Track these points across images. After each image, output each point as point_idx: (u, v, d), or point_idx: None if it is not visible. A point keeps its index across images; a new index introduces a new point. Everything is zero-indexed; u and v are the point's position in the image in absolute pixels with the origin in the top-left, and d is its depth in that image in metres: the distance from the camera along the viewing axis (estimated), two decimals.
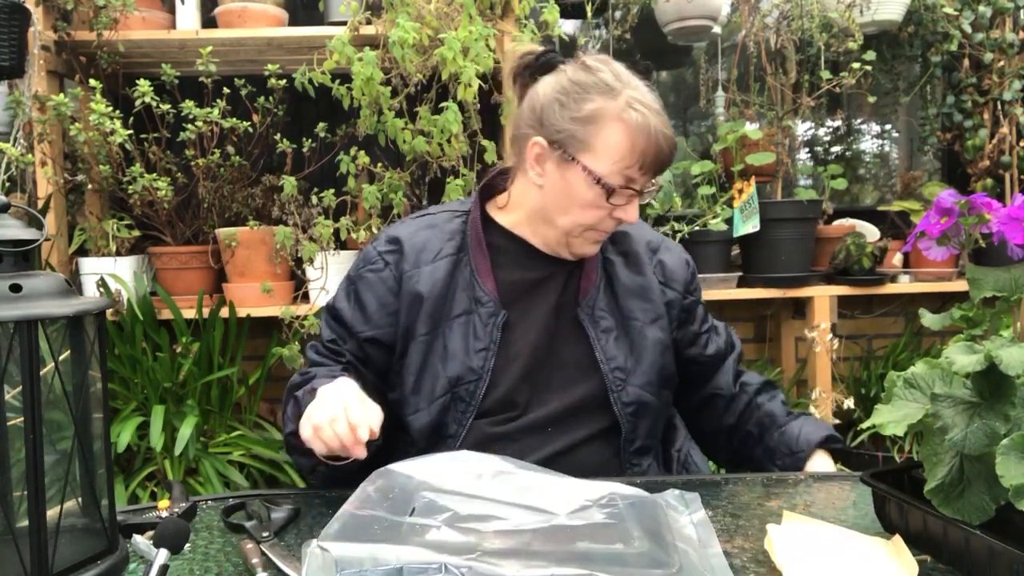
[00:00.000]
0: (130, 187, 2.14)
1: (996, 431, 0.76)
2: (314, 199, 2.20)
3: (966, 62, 2.61)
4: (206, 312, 2.19)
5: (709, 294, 2.27)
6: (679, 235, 2.33)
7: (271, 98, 2.22)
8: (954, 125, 2.69)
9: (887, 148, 3.29)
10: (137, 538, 0.90)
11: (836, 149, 3.13)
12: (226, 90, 2.19)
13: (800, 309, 2.63)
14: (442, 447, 1.18)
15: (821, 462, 1.25)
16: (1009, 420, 0.77)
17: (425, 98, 2.11)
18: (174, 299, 2.18)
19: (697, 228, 2.36)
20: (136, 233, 2.26)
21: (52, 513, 0.77)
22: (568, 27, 2.85)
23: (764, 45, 2.49)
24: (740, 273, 2.50)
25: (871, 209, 2.90)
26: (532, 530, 0.76)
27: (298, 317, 2.15)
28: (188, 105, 2.13)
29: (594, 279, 1.26)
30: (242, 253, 2.25)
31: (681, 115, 3.15)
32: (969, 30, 2.56)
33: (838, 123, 3.09)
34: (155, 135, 2.19)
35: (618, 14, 2.64)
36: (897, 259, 2.67)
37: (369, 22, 2.13)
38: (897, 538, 0.86)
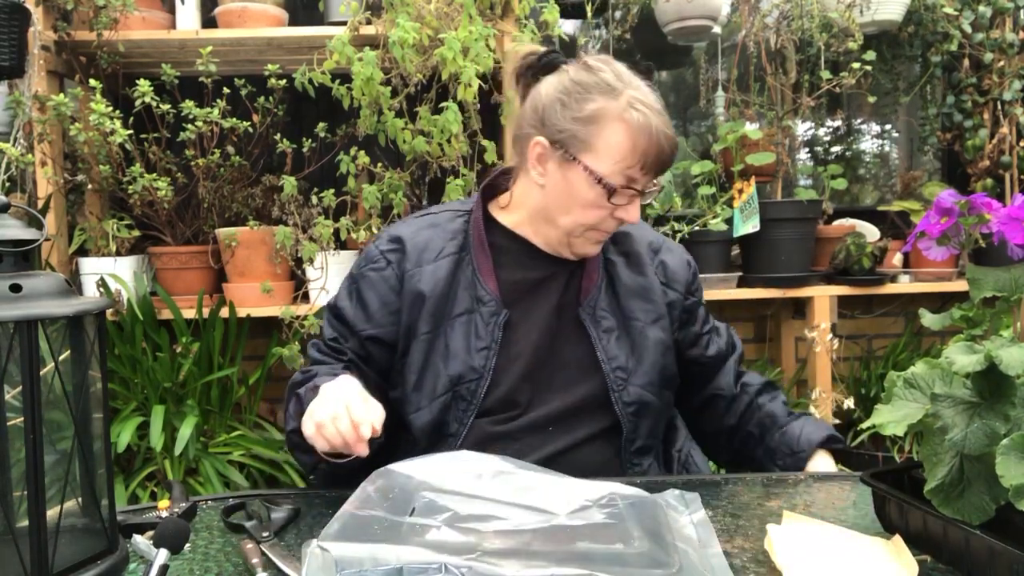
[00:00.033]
0: (130, 187, 2.14)
1: (996, 431, 0.76)
2: (314, 199, 2.20)
3: (966, 62, 2.61)
4: (206, 312, 2.19)
5: (709, 294, 2.27)
6: (679, 235, 2.32)
7: (271, 98, 2.22)
8: (954, 125, 2.69)
9: (887, 148, 3.29)
10: (137, 538, 0.90)
11: (836, 149, 3.13)
12: (226, 90, 2.19)
13: (800, 309, 2.63)
14: (443, 445, 1.18)
15: (822, 462, 1.25)
16: (1009, 420, 0.77)
17: (425, 98, 2.11)
18: (174, 299, 2.18)
19: (697, 228, 2.36)
20: (136, 233, 2.26)
21: (52, 513, 0.76)
22: (568, 27, 2.84)
23: (764, 45, 2.49)
24: (740, 273, 2.50)
25: (871, 209, 2.90)
26: (532, 530, 0.76)
27: (298, 317, 2.15)
28: (188, 105, 2.13)
29: (596, 279, 1.27)
30: (242, 253, 2.25)
31: (681, 115, 3.15)
32: (969, 30, 2.56)
33: (838, 123, 3.09)
34: (155, 135, 2.19)
35: (618, 14, 2.64)
36: (897, 259, 2.67)
37: (369, 22, 2.13)
38: (897, 538, 0.86)
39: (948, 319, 0.93)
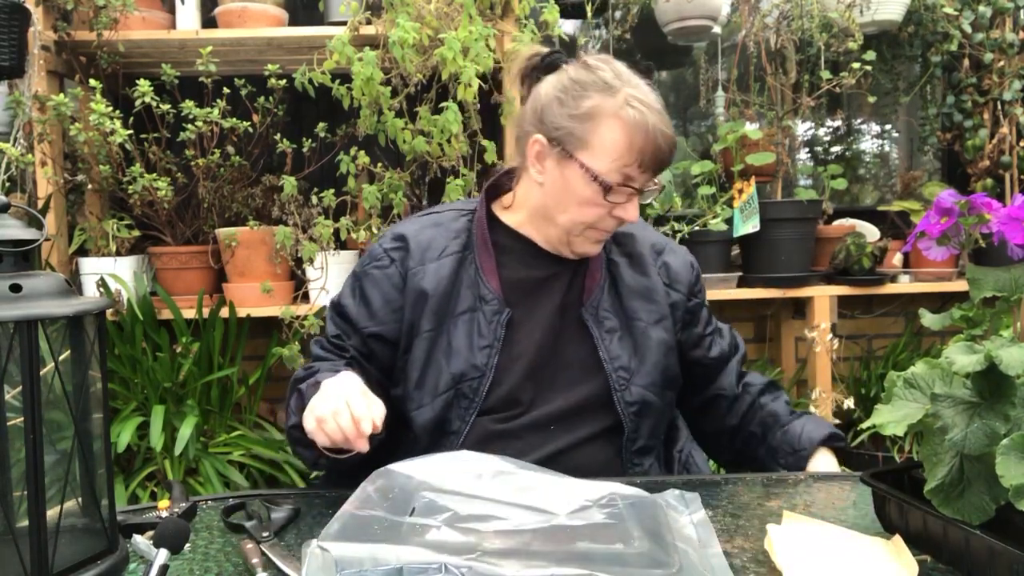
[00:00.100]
0: (130, 187, 2.14)
1: (996, 431, 0.76)
2: (314, 199, 2.20)
3: (966, 62, 2.61)
4: (206, 312, 2.19)
5: (709, 294, 2.25)
6: (679, 235, 2.33)
7: (271, 98, 2.22)
8: (954, 125, 2.69)
9: (887, 148, 3.29)
10: (137, 538, 0.90)
11: (836, 149, 3.13)
12: (226, 90, 2.18)
13: (800, 309, 2.63)
14: (445, 443, 1.18)
15: (824, 460, 1.25)
16: (1009, 420, 0.77)
17: (425, 98, 2.11)
18: (174, 299, 2.18)
19: (697, 228, 2.36)
20: (136, 233, 2.26)
21: (52, 513, 0.77)
22: (568, 27, 2.84)
23: (764, 45, 2.49)
24: (740, 273, 2.50)
25: (871, 209, 2.90)
26: (532, 530, 0.76)
27: (298, 317, 2.15)
28: (188, 105, 2.13)
29: (598, 279, 1.27)
30: (242, 253, 2.25)
31: (681, 115, 3.16)
32: (969, 30, 2.56)
33: (838, 123, 3.09)
34: (155, 135, 2.18)
35: (618, 14, 2.64)
36: (897, 259, 2.67)
37: (369, 22, 2.13)
38: (897, 538, 0.86)
39: (948, 319, 0.93)
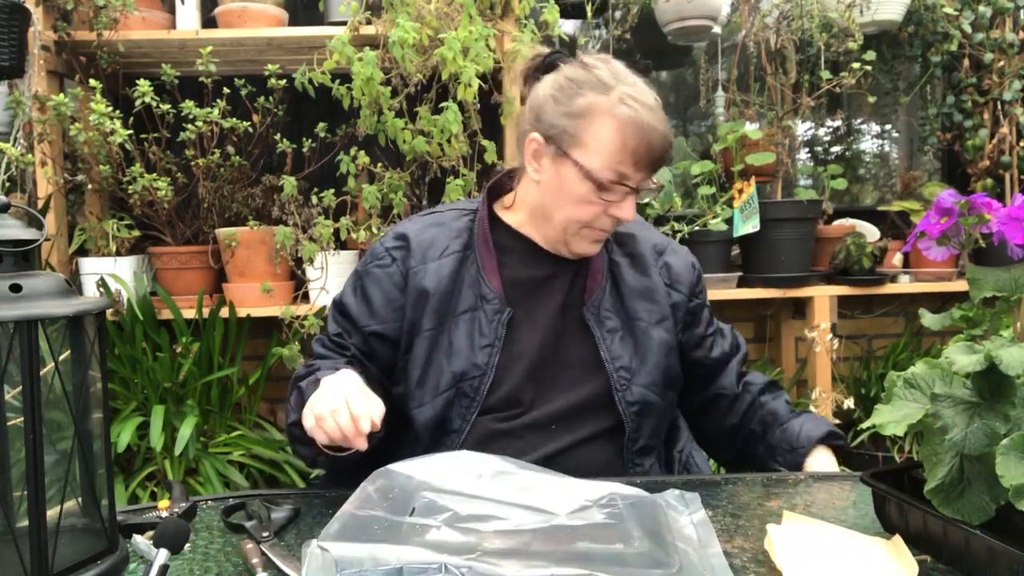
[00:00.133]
0: (130, 187, 2.14)
1: (996, 431, 0.76)
2: (314, 199, 2.20)
3: (966, 62, 2.61)
4: (206, 312, 2.19)
5: (709, 294, 2.26)
6: (679, 235, 2.33)
7: (271, 98, 2.22)
8: (954, 125, 2.69)
9: (887, 148, 3.29)
10: (137, 538, 0.90)
11: (836, 149, 3.13)
12: (226, 90, 2.19)
13: (800, 309, 2.63)
14: (446, 442, 1.19)
15: (822, 458, 1.25)
16: (1009, 420, 0.77)
17: (425, 98, 2.11)
18: (174, 299, 2.18)
19: (697, 228, 2.36)
20: (136, 233, 2.26)
21: (52, 513, 0.77)
22: (568, 27, 2.84)
23: (764, 45, 2.49)
24: (740, 273, 2.50)
25: (871, 209, 2.90)
26: (532, 530, 0.76)
27: (298, 317, 2.15)
28: (188, 105, 2.13)
29: (600, 279, 1.27)
30: (242, 253, 2.25)
31: (681, 115, 3.16)
32: (969, 30, 2.56)
33: (838, 123, 3.09)
34: (155, 135, 2.19)
35: (618, 14, 2.64)
36: (897, 259, 2.67)
37: (369, 22, 2.13)
38: (897, 538, 0.86)
39: (948, 319, 0.93)
